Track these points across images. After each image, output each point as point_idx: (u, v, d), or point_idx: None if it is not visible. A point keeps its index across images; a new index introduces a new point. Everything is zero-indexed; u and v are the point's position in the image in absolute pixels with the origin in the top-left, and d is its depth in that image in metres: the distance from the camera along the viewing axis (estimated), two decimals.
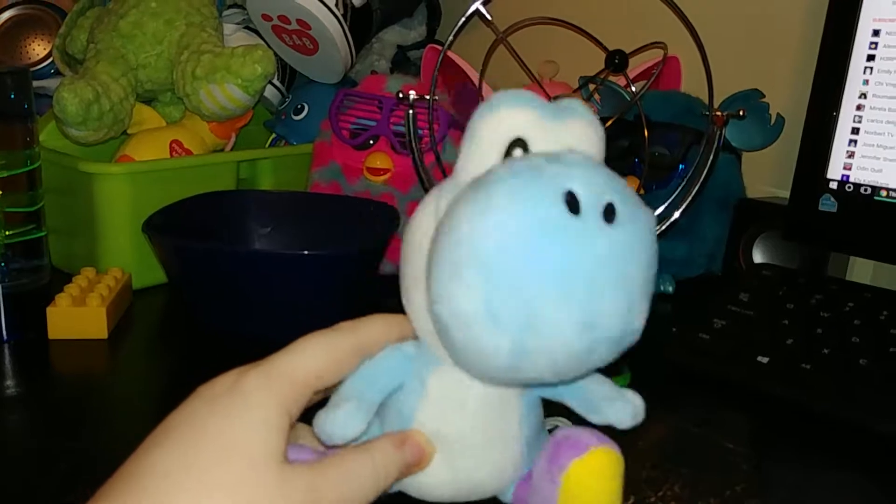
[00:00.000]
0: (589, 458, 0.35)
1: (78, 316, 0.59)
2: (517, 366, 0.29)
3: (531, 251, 0.28)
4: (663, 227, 0.64)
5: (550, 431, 0.38)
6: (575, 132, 0.33)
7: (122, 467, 0.29)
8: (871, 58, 0.61)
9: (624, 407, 0.36)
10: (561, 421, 0.42)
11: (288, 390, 0.31)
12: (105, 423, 0.50)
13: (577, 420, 0.37)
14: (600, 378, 0.36)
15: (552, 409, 0.39)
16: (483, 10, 0.59)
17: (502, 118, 0.32)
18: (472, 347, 0.29)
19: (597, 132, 0.34)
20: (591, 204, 0.28)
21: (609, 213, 0.29)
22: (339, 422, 0.31)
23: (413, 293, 0.34)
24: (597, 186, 0.29)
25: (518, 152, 0.32)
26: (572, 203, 0.28)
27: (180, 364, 0.58)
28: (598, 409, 0.36)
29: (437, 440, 0.35)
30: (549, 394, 0.37)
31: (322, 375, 0.32)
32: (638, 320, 0.31)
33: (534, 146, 0.32)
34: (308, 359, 0.32)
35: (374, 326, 0.35)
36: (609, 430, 0.36)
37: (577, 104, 0.34)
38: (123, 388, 0.55)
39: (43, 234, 0.62)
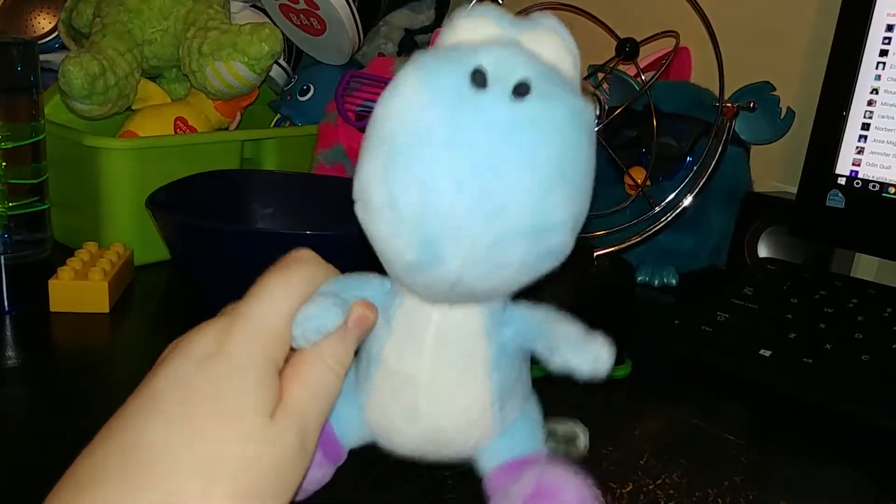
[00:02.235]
0: None
1: (80, 289, 0.59)
2: (428, 263, 0.28)
3: (426, 127, 0.26)
4: (669, 218, 0.64)
5: (552, 435, 0.37)
6: (539, 43, 0.30)
7: (107, 439, 0.28)
8: (883, 52, 0.61)
9: (584, 357, 0.33)
10: (579, 427, 0.42)
11: (271, 342, 0.30)
12: (105, 396, 0.49)
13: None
14: (571, 321, 0.34)
15: (565, 411, 0.38)
16: None
17: (462, 26, 0.30)
18: (384, 240, 0.29)
19: (566, 47, 0.30)
20: (499, 78, 0.26)
21: (521, 91, 0.27)
22: (311, 313, 0.31)
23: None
24: (508, 63, 0.27)
25: None
26: (479, 78, 0.26)
27: None
28: (556, 353, 0.33)
29: (401, 380, 0.33)
30: (520, 339, 0.34)
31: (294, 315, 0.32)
32: (556, 212, 0.28)
33: None
34: (280, 304, 0.31)
35: (309, 255, 0.34)
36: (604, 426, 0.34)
37: (546, 18, 0.31)
38: (124, 363, 0.54)
39: (46, 206, 0.61)
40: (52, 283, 0.59)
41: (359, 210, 0.29)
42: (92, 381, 0.51)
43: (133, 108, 0.75)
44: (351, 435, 0.36)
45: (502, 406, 0.35)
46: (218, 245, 0.59)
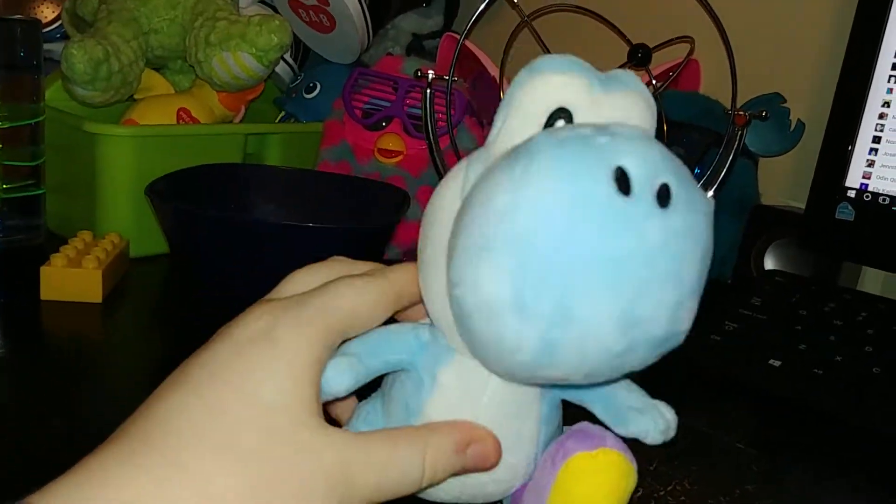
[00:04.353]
0: (598, 454, 0.31)
1: (73, 277, 0.57)
2: (543, 363, 0.26)
3: (571, 234, 0.24)
4: None
5: None
6: (625, 105, 0.29)
7: (136, 412, 0.27)
8: None
9: (654, 420, 0.32)
10: None
11: (322, 335, 0.28)
12: (97, 386, 0.48)
13: None
14: (630, 384, 0.33)
15: (574, 416, 0.37)
16: None
17: (546, 83, 0.28)
18: (495, 339, 0.26)
19: (649, 107, 0.30)
20: (643, 183, 0.25)
21: (663, 196, 0.25)
22: (325, 374, 0.28)
23: (431, 276, 0.30)
24: (651, 164, 0.25)
25: (561, 123, 0.28)
26: (623, 181, 0.24)
27: (175, 332, 0.57)
28: (626, 420, 0.32)
29: None
30: (573, 396, 0.34)
31: (356, 318, 0.29)
32: (686, 321, 0.27)
33: (579, 118, 0.28)
34: (343, 300, 0.29)
35: (409, 273, 0.31)
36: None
37: (629, 75, 0.30)
38: (116, 353, 0.53)
39: (41, 191, 0.60)
40: (43, 269, 0.57)
41: (464, 301, 0.26)
42: (82, 372, 0.49)
43: (136, 97, 0.74)
44: None
45: (544, 452, 0.33)
46: (219, 236, 0.57)
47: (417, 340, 0.32)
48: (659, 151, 0.26)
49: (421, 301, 0.32)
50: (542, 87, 0.28)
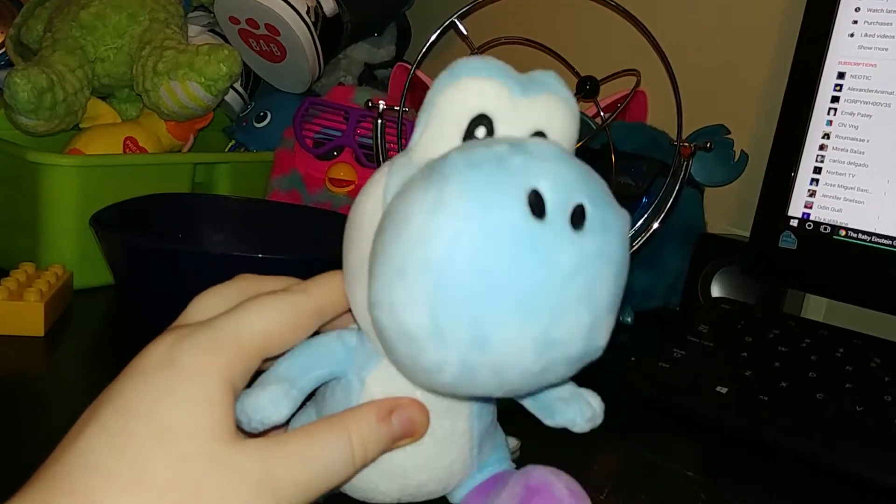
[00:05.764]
0: None
1: (14, 311, 0.56)
2: (463, 383, 0.27)
3: (483, 262, 0.24)
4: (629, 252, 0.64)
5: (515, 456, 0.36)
6: (547, 109, 0.29)
7: (50, 457, 0.26)
8: (835, 99, 0.63)
9: (581, 409, 0.33)
10: (513, 438, 0.41)
11: (232, 358, 0.27)
12: (38, 423, 0.46)
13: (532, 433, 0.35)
14: None
15: (508, 423, 0.37)
16: (459, 24, 0.59)
17: (465, 89, 0.28)
18: (415, 362, 0.26)
19: (571, 110, 0.30)
20: (558, 206, 0.25)
21: (578, 217, 0.25)
22: (261, 405, 0.28)
23: (355, 286, 0.30)
24: (566, 185, 0.25)
25: (481, 132, 0.28)
26: (537, 204, 0.25)
27: (119, 366, 0.55)
28: (553, 411, 0.33)
29: None
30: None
31: (273, 339, 0.29)
32: (601, 338, 0.27)
33: (499, 125, 0.28)
34: (256, 321, 0.28)
35: (331, 285, 0.31)
36: (570, 451, 0.34)
37: (551, 77, 0.30)
38: (59, 389, 0.51)
39: None
40: None
41: (383, 324, 0.26)
42: (23, 409, 0.48)
43: (81, 126, 0.73)
44: None
45: (480, 450, 0.34)
46: (166, 267, 0.56)
47: (344, 347, 0.32)
48: (574, 171, 0.26)
49: (349, 309, 0.32)
50: (461, 93, 0.28)
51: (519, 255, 0.24)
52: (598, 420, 0.33)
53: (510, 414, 0.37)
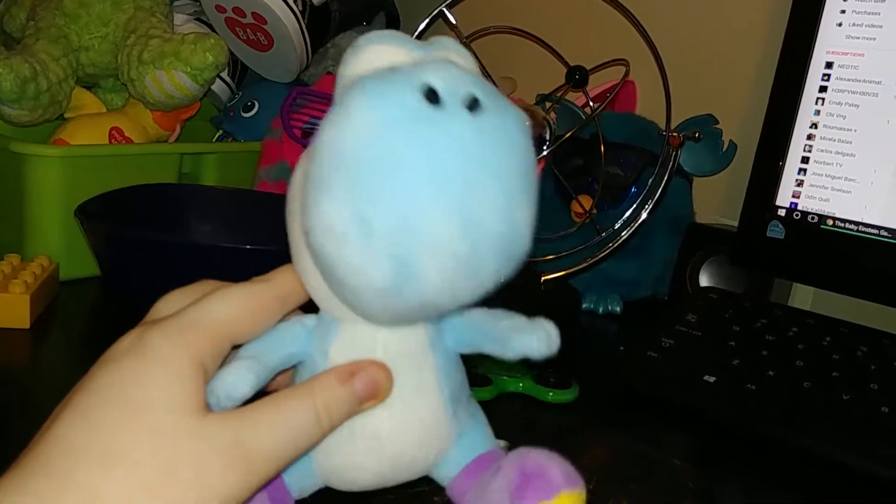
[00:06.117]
0: (560, 499, 0.32)
1: None
2: (402, 284, 0.27)
3: (393, 147, 0.26)
4: (614, 246, 0.64)
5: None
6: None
7: (31, 443, 0.27)
8: (823, 88, 0.63)
9: (536, 335, 0.33)
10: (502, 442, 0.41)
11: (200, 341, 0.29)
12: (24, 416, 0.46)
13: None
14: (510, 314, 0.34)
15: (511, 435, 0.37)
16: (448, 12, 0.58)
17: (366, 53, 0.30)
18: (351, 267, 0.27)
19: (467, 62, 0.31)
20: (451, 94, 0.27)
21: (473, 105, 0.27)
22: (226, 380, 0.29)
23: (300, 255, 0.31)
24: (458, 79, 0.27)
25: None
26: (432, 95, 0.26)
27: None
28: (509, 341, 0.34)
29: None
30: (463, 345, 0.35)
31: (237, 324, 0.30)
32: (522, 224, 0.28)
33: None
34: (219, 307, 0.30)
35: (291, 275, 0.32)
36: (557, 441, 0.34)
37: (448, 40, 0.32)
38: (45, 381, 0.51)
39: None
40: None
41: (316, 239, 0.27)
42: (9, 401, 0.47)
43: (66, 116, 0.72)
44: (298, 484, 0.34)
45: (455, 412, 0.34)
46: (151, 258, 0.56)
47: (304, 328, 0.33)
48: (464, 72, 0.28)
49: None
50: (364, 56, 0.30)
51: (420, 132, 0.26)
52: (555, 344, 0.33)
53: (495, 417, 0.37)
